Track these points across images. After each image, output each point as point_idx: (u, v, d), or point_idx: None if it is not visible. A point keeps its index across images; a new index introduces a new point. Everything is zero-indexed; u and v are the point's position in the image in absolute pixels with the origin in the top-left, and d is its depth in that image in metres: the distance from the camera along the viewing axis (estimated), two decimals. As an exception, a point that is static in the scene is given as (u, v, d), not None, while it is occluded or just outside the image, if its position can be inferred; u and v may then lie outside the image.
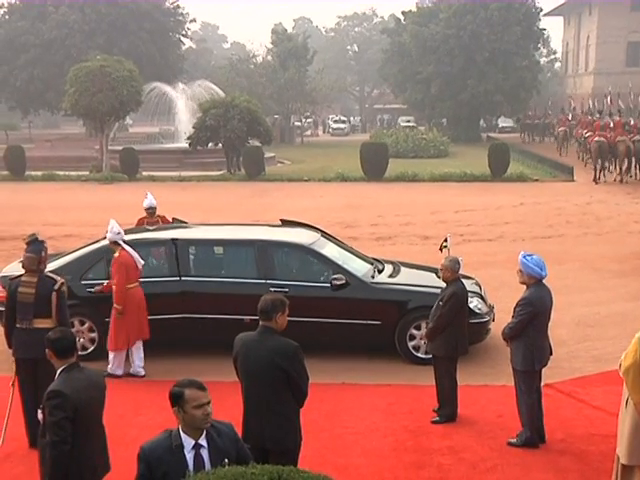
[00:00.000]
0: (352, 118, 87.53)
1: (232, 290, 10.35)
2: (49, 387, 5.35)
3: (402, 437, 8.01)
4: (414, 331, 10.25)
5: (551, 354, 7.86)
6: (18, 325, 7.86)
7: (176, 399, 4.44)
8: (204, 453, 4.44)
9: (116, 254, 9.79)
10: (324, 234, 11.79)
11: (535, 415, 7.69)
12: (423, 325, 10.11)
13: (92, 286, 10.42)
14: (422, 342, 10.11)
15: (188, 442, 4.44)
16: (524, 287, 7.68)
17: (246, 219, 19.69)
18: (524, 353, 7.55)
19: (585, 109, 53.48)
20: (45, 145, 51.37)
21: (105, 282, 10.18)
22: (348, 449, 7.73)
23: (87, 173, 36.67)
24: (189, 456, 4.42)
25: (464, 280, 10.17)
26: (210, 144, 37.11)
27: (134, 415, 8.59)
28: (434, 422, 8.33)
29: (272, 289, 10.11)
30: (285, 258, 11.00)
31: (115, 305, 9.71)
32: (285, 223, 12.27)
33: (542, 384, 7.93)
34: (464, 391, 9.16)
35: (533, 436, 7.66)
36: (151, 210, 12.64)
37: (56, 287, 7.85)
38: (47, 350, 5.47)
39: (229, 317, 10.07)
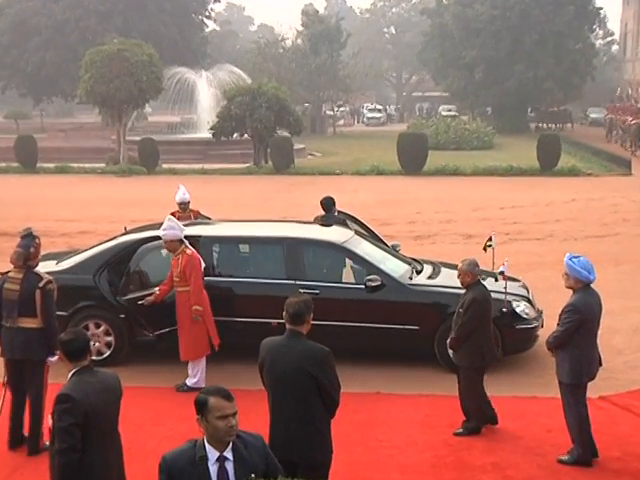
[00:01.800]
0: (388, 107, 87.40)
1: (259, 291, 10.39)
2: (59, 391, 5.39)
3: (441, 452, 7.99)
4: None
5: (600, 365, 7.80)
6: (4, 323, 8.01)
7: (200, 407, 4.46)
8: (229, 466, 4.46)
9: (188, 251, 9.77)
10: (369, 230, 11.83)
11: (586, 430, 7.63)
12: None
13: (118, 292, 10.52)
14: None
15: (213, 454, 4.46)
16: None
17: (273, 215, 19.76)
18: (571, 364, 7.51)
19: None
20: (58, 135, 51.93)
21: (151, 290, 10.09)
22: (383, 464, 7.74)
23: (103, 165, 37.03)
24: (213, 469, 4.44)
25: (511, 282, 10.19)
26: (235, 134, 37.26)
27: (153, 425, 8.67)
28: (456, 434, 8.35)
29: (302, 290, 10.14)
30: (316, 257, 11.03)
31: (196, 307, 9.62)
32: (340, 214, 12.29)
33: (587, 396, 7.85)
34: (510, 403, 9.14)
35: (586, 453, 7.61)
36: (184, 205, 12.73)
37: (40, 285, 7.91)
38: (59, 352, 5.56)
39: (255, 320, 10.11)
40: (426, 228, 20.83)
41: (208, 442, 4.46)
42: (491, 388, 9.52)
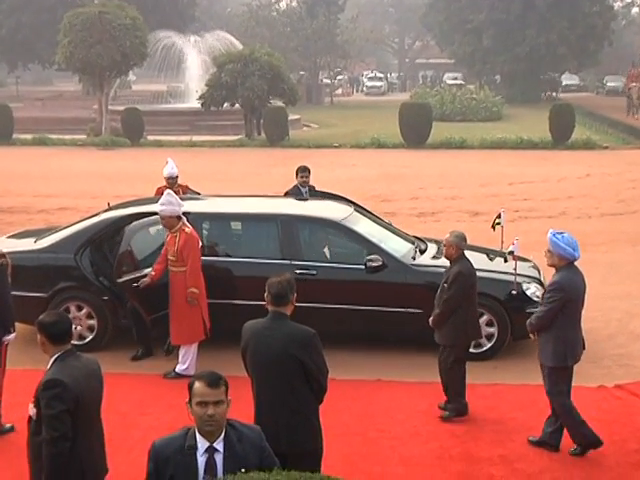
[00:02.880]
0: (390, 75, 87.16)
1: (251, 272, 10.36)
2: (45, 376, 5.37)
3: (447, 443, 8.02)
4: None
5: (584, 348, 7.85)
6: None
7: (188, 391, 4.49)
8: (218, 458, 4.46)
9: (187, 230, 9.71)
10: (358, 208, 11.77)
11: (575, 413, 7.64)
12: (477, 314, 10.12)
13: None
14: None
15: (202, 444, 4.46)
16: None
17: (267, 191, 19.71)
18: (555, 347, 7.54)
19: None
20: (35, 104, 51.75)
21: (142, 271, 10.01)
22: (384, 456, 7.76)
23: (84, 137, 36.91)
24: (201, 460, 4.45)
25: (521, 263, 10.18)
26: (226, 104, 37.14)
27: (138, 414, 8.68)
28: (443, 418, 8.44)
29: (298, 271, 10.14)
30: (313, 236, 11.01)
31: (192, 289, 9.58)
32: (314, 194, 12.28)
33: (573, 383, 7.86)
34: (519, 391, 9.17)
35: (588, 433, 7.61)
36: (172, 180, 12.68)
37: None
38: (39, 336, 5.50)
39: (248, 303, 10.10)
40: (430, 205, 20.83)
41: (198, 431, 4.46)
42: (499, 375, 9.59)
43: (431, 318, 8.63)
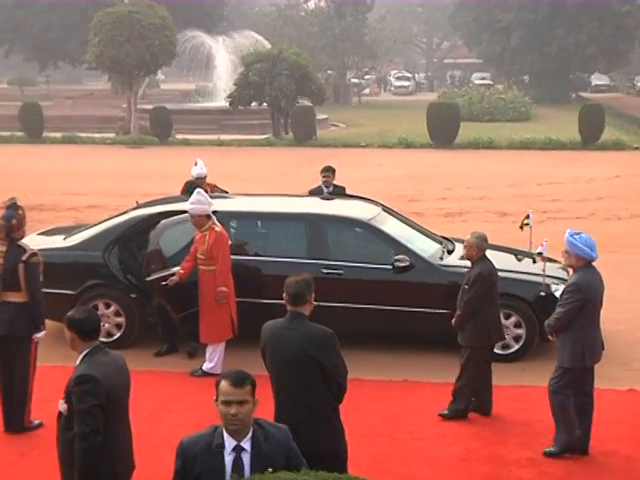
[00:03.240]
0: (417, 75, 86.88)
1: (279, 271, 10.33)
2: (75, 372, 5.39)
3: (473, 445, 7.97)
4: (489, 323, 10.14)
5: (603, 349, 7.78)
6: None
7: (216, 389, 4.50)
8: (245, 457, 4.45)
9: (217, 228, 9.72)
10: (385, 208, 11.74)
11: (570, 414, 7.60)
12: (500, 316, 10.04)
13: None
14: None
15: (230, 443, 4.45)
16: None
17: (294, 190, 19.70)
18: (573, 347, 7.48)
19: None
20: (65, 103, 52.09)
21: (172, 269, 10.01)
22: (411, 457, 7.72)
23: (113, 135, 37.16)
24: (228, 459, 4.44)
25: (549, 264, 10.11)
26: (254, 103, 37.25)
27: (165, 412, 8.70)
28: (442, 415, 8.45)
29: (325, 271, 10.13)
30: (340, 235, 10.99)
31: (221, 288, 9.60)
32: (339, 195, 12.28)
33: (595, 385, 7.80)
34: (545, 393, 9.08)
35: (572, 438, 7.58)
36: (200, 180, 12.70)
37: (24, 258, 8.01)
38: (68, 332, 5.51)
39: (275, 302, 10.07)
40: (457, 205, 20.75)
41: (225, 430, 4.46)
42: (527, 377, 9.52)
43: (453, 319, 8.60)
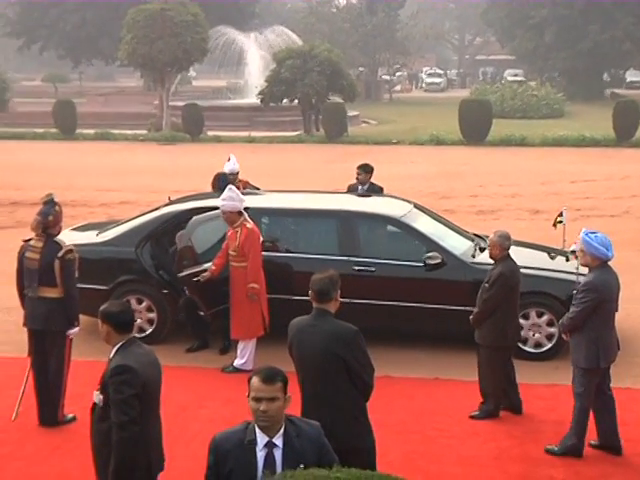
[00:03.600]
0: (449, 71, 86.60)
1: (310, 268, 10.32)
2: (112, 363, 5.44)
3: (505, 443, 7.93)
4: (521, 321, 10.08)
5: (618, 349, 7.74)
6: (26, 293, 8.26)
7: (248, 385, 4.52)
8: (277, 453, 4.47)
9: (248, 225, 9.75)
10: (417, 205, 11.71)
11: (586, 421, 7.56)
12: (532, 314, 10.00)
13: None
14: (531, 334, 10.01)
15: (262, 439, 4.47)
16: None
17: (325, 187, 19.71)
18: (588, 348, 7.42)
19: None
20: (98, 100, 52.52)
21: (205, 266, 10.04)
22: (442, 455, 7.70)
23: (145, 132, 37.37)
24: (260, 455, 4.46)
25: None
26: (285, 100, 37.31)
27: (197, 407, 8.74)
28: (472, 417, 8.42)
29: (356, 268, 10.13)
30: (372, 232, 10.99)
31: (252, 284, 9.63)
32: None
33: (611, 384, 7.74)
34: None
35: (580, 444, 7.56)
36: (233, 176, 12.74)
37: (60, 254, 8.08)
38: (103, 325, 5.57)
39: (305, 299, 10.09)
40: (489, 202, 20.67)
41: (257, 425, 4.47)
42: (560, 376, 9.44)
43: (471, 316, 8.60)
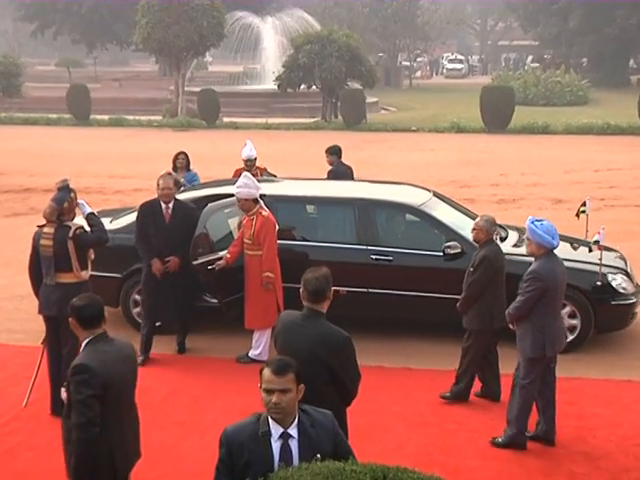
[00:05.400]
0: (471, 57, 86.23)
1: (327, 257, 10.34)
2: (74, 361, 5.40)
3: (525, 437, 7.90)
4: (543, 312, 10.05)
5: (566, 338, 7.82)
6: (45, 280, 8.28)
7: (260, 376, 4.53)
8: (293, 444, 4.48)
9: (264, 213, 9.73)
10: (436, 194, 11.67)
11: (529, 412, 7.63)
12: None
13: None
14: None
15: (276, 430, 4.47)
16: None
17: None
18: (534, 336, 7.50)
19: None
20: (112, 85, 52.66)
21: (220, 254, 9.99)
22: (460, 449, 7.69)
23: (160, 118, 37.42)
24: (275, 446, 4.46)
25: (606, 253, 9.97)
26: (303, 86, 37.22)
27: (211, 398, 8.75)
28: (443, 397, 8.61)
29: (373, 257, 10.11)
30: (390, 221, 10.98)
31: (268, 273, 9.60)
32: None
33: (557, 375, 7.79)
34: (603, 386, 9.00)
35: (520, 435, 7.63)
36: (250, 162, 12.76)
37: (70, 235, 8.12)
38: (70, 319, 5.54)
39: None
40: (511, 191, 20.60)
41: (271, 416, 4.48)
42: (581, 369, 9.41)
43: (458, 303, 8.67)
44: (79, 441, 5.22)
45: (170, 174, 10.33)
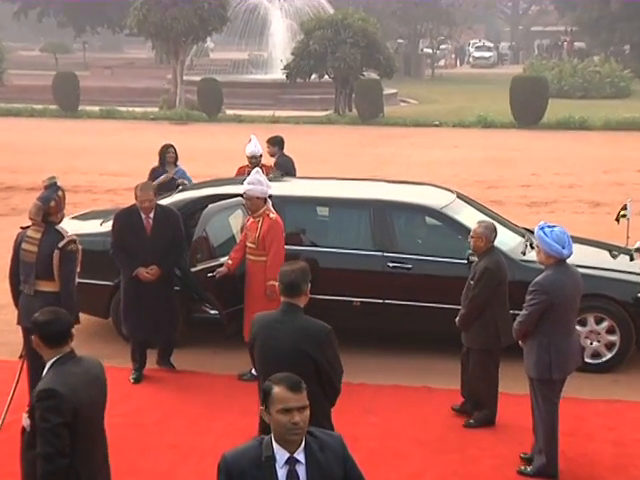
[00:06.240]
0: (500, 44, 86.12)
1: (339, 264, 10.40)
2: (39, 385, 5.27)
3: (560, 466, 7.86)
4: (578, 327, 10.04)
5: (581, 359, 7.80)
6: (21, 288, 8.30)
7: (265, 397, 4.51)
8: (300, 470, 4.48)
9: (272, 215, 9.73)
10: (460, 195, 11.70)
11: (556, 438, 7.59)
12: (590, 320, 9.96)
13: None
14: (588, 342, 9.97)
15: (281, 455, 4.47)
16: None
17: (358, 174, 19.72)
18: (538, 355, 7.47)
19: None
20: (104, 73, 52.81)
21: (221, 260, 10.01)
22: (485, 477, 7.69)
23: (156, 110, 37.51)
24: (281, 472, 4.46)
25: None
26: (313, 76, 37.28)
27: (210, 419, 8.78)
28: (466, 425, 8.59)
29: (391, 265, 10.14)
30: (409, 225, 11.01)
31: (272, 282, 9.27)
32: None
33: (561, 396, 7.74)
34: (635, 408, 8.99)
35: (550, 464, 7.58)
36: (255, 159, 12.81)
37: (61, 244, 8.11)
38: (33, 337, 5.40)
39: (334, 298, 10.13)
40: (543, 193, 20.61)
41: (276, 440, 4.48)
42: (621, 390, 9.40)
43: (457, 318, 8.70)
44: (46, 474, 5.10)
45: (149, 183, 10.27)
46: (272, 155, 13.67)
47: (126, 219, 9.79)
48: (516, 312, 9.83)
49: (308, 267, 6.21)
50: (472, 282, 8.54)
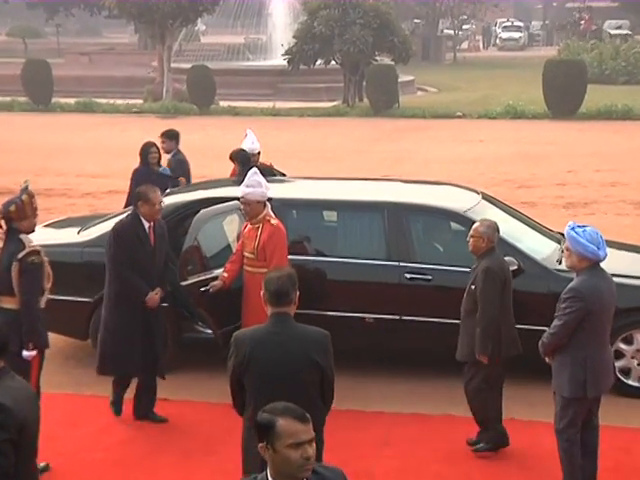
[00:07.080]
0: (531, 24, 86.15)
1: (349, 275, 10.42)
2: None
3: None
4: (622, 345, 10.06)
5: (615, 374, 7.87)
6: None
7: (265, 431, 4.48)
8: (301, 509, 4.51)
9: (273, 221, 9.73)
10: (486, 197, 11.72)
11: (576, 462, 7.59)
12: (637, 337, 9.96)
13: None
14: (635, 363, 9.96)
15: (280, 493, 4.50)
16: None
17: (370, 173, 19.75)
18: (573, 371, 7.45)
19: None
20: (80, 60, 52.88)
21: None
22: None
23: (140, 102, 37.58)
24: (282, 513, 4.49)
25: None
26: (319, 62, 37.29)
27: (204, 453, 8.80)
28: (476, 450, 8.67)
29: (408, 276, 10.15)
30: (428, 230, 11.03)
31: None
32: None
33: (599, 419, 7.75)
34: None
35: None
36: (253, 157, 12.83)
37: (20, 255, 8.08)
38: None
39: (344, 314, 10.15)
40: (581, 193, 20.63)
41: (273, 478, 4.48)
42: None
43: (478, 343, 8.55)
44: None
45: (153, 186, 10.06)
46: (167, 152, 13.95)
47: (131, 232, 9.38)
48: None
49: (295, 273, 6.34)
50: (472, 287, 8.61)
